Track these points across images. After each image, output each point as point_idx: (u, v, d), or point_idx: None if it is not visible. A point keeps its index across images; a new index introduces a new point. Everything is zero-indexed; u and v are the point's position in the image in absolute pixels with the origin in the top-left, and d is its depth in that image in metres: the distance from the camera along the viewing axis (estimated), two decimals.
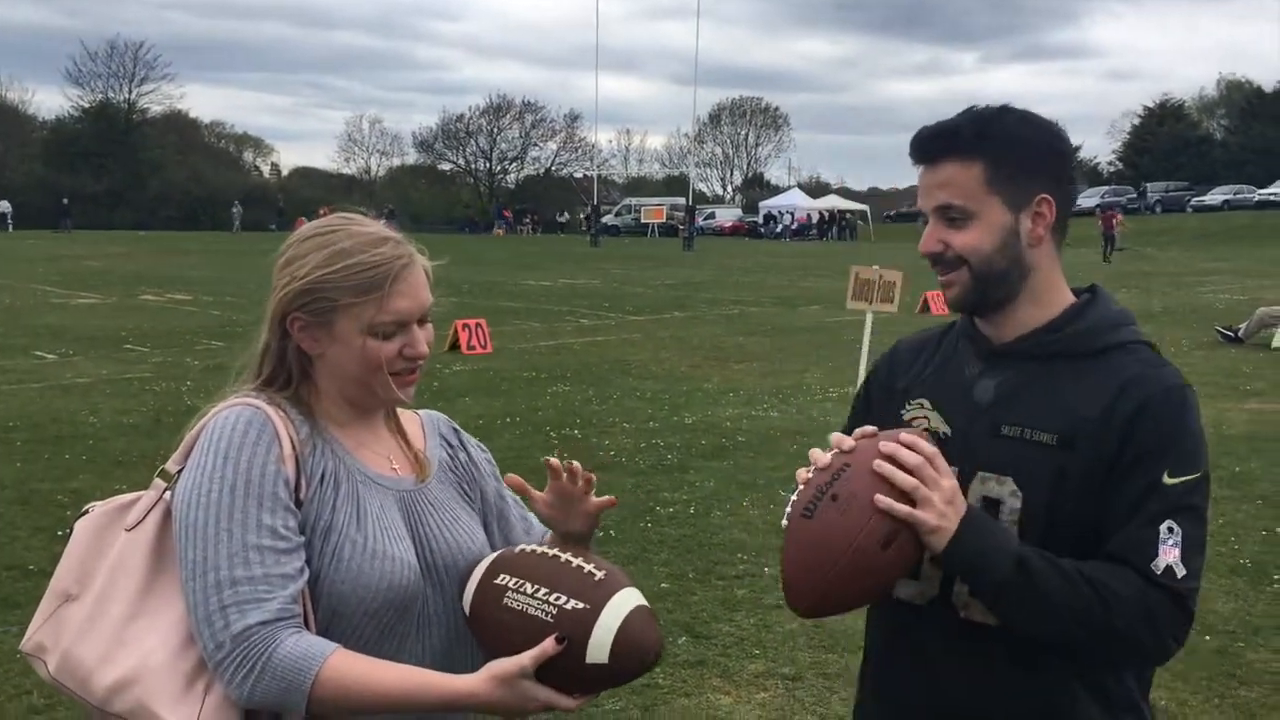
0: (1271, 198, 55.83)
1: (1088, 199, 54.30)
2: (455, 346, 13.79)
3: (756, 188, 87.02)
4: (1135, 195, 62.36)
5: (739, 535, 6.48)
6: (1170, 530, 1.62)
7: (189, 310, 19.30)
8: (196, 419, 1.71)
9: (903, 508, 1.59)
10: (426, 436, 1.91)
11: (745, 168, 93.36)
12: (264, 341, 1.75)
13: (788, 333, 16.78)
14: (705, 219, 65.57)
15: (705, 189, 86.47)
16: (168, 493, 1.67)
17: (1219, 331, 15.42)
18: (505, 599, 1.64)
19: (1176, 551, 1.62)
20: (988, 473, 1.73)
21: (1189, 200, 60.75)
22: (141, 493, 1.71)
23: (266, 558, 1.58)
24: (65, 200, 56.72)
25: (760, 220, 66.45)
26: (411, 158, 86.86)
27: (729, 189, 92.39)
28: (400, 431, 1.86)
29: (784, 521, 1.68)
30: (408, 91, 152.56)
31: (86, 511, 1.73)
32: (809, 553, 1.62)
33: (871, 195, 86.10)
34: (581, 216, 68.33)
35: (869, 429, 1.70)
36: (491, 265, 31.34)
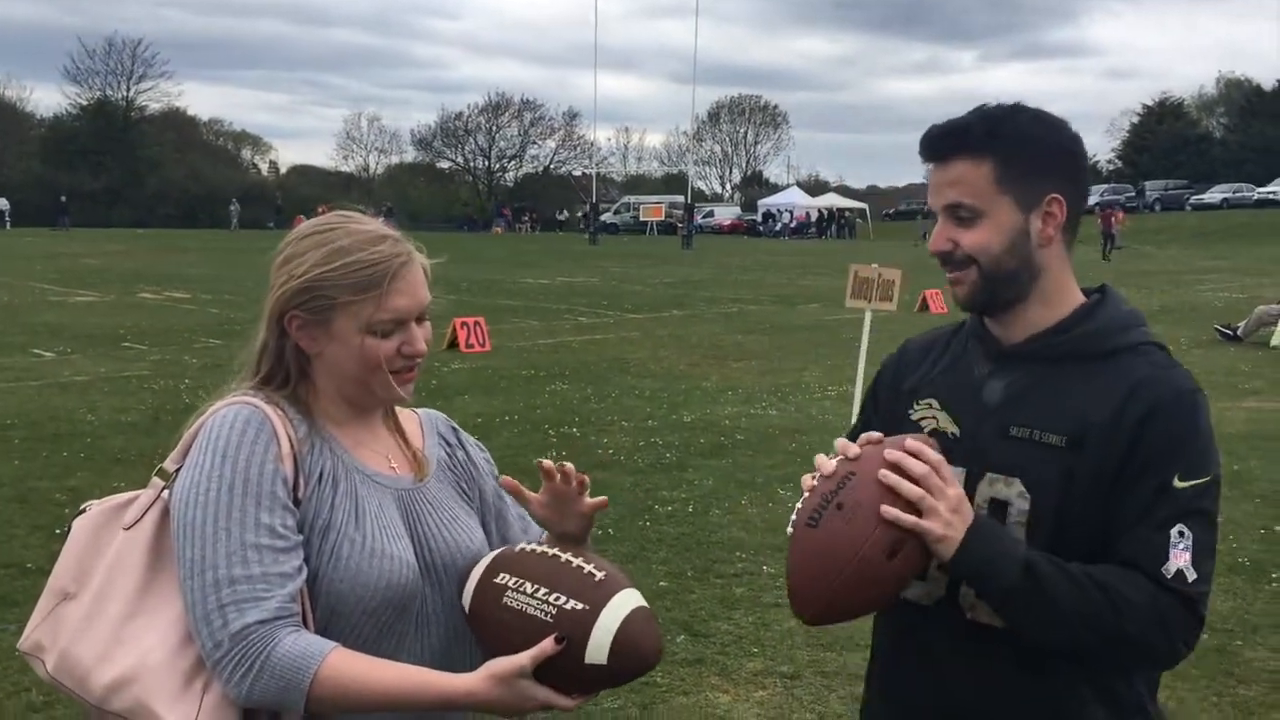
0: (1270, 196, 55.81)
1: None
2: (454, 345, 13.77)
3: (755, 186, 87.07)
4: (1134, 193, 62.32)
5: (737, 534, 6.47)
6: (1181, 534, 1.62)
7: (187, 308, 19.27)
8: (194, 417, 1.71)
9: (909, 518, 1.58)
10: (425, 435, 1.90)
11: (744, 166, 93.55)
12: (262, 340, 1.74)
13: (786, 331, 16.77)
14: (704, 217, 65.62)
15: (704, 187, 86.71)
16: (166, 491, 1.66)
17: (1218, 330, 15.44)
18: (505, 598, 1.64)
19: (1187, 556, 1.61)
20: (996, 474, 1.72)
21: (1188, 198, 60.68)
22: (139, 491, 1.71)
23: (265, 556, 1.57)
24: (63, 198, 56.66)
25: (759, 218, 66.49)
26: (410, 156, 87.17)
27: (728, 187, 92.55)
28: (399, 430, 1.86)
29: (789, 529, 1.67)
30: (406, 89, 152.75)
31: (84, 510, 1.72)
32: (814, 562, 1.61)
33: (870, 193, 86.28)
34: (580, 215, 68.27)
35: (874, 435, 1.69)
36: (490, 263, 31.32)
